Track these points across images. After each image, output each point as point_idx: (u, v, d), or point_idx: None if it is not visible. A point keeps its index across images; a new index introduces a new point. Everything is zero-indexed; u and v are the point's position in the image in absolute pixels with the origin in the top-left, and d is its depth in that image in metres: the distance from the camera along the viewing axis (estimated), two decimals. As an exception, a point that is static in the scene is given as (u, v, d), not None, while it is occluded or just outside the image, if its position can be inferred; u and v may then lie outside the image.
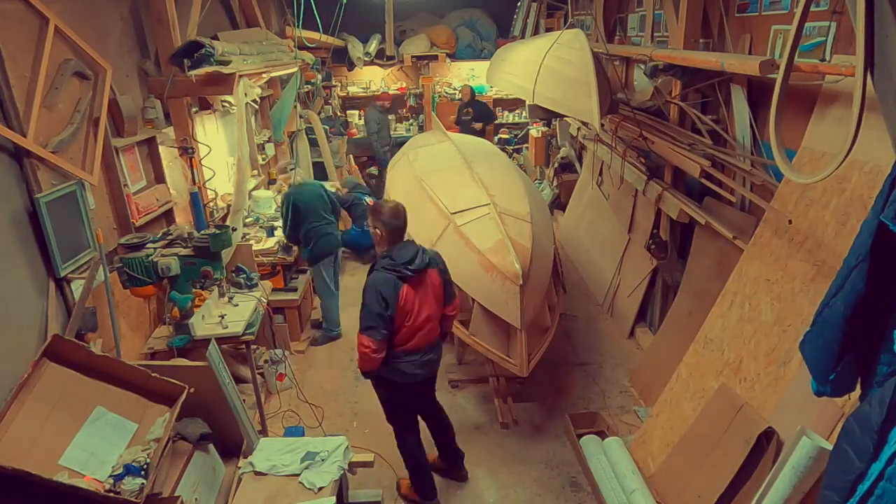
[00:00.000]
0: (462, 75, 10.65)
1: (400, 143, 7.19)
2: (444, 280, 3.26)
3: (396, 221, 3.11)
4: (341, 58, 9.71)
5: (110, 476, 2.56)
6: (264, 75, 5.82)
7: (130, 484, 2.52)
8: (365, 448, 3.80)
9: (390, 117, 9.92)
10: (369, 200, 6.27)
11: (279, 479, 2.99)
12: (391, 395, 3.37)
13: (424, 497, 3.51)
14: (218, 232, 3.61)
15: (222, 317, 3.71)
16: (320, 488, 2.91)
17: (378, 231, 3.12)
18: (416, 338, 3.16)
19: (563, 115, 5.42)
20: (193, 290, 3.71)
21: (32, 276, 2.94)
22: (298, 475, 2.99)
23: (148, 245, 3.56)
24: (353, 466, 3.23)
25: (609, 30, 6.28)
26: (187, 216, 4.71)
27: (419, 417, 3.54)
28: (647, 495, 3.23)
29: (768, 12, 3.56)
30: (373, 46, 9.80)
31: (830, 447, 2.17)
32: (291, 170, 5.29)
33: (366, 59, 9.79)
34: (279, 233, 5.60)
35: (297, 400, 4.37)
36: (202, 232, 3.76)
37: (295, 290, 5.25)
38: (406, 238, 3.18)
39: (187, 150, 4.53)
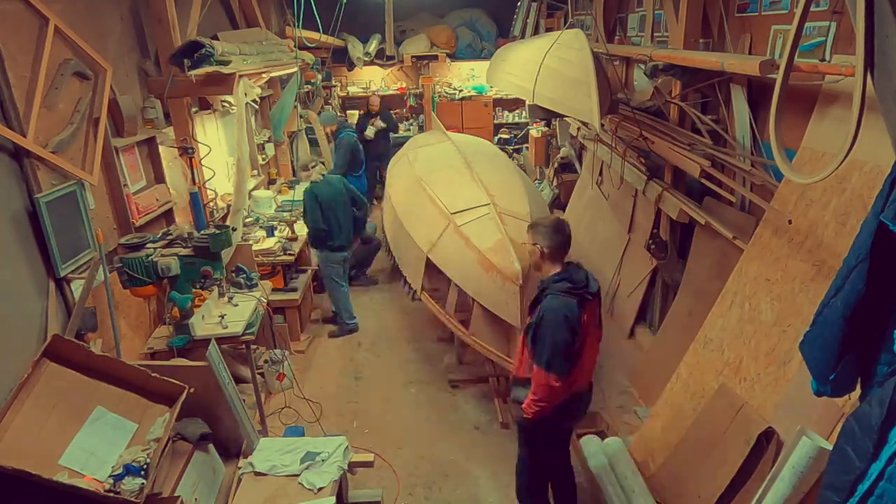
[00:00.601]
0: (462, 75, 10.65)
1: (400, 143, 7.19)
2: (601, 307, 2.90)
3: (561, 236, 2.72)
4: (341, 58, 9.72)
5: (110, 476, 2.57)
6: (264, 75, 5.83)
7: (130, 484, 2.52)
8: (365, 448, 3.79)
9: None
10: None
11: (279, 480, 2.99)
12: (546, 441, 2.92)
13: None
14: (218, 232, 3.61)
15: (222, 317, 3.72)
16: (320, 488, 2.91)
17: (538, 248, 2.75)
18: (585, 373, 2.84)
19: (563, 115, 5.41)
20: (193, 290, 3.71)
21: (32, 276, 2.94)
22: (298, 475, 2.99)
23: (148, 245, 3.57)
24: (353, 466, 3.23)
25: (609, 30, 6.28)
26: (187, 216, 4.71)
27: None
28: (647, 495, 3.23)
29: (768, 12, 3.55)
30: (373, 46, 9.81)
31: (830, 447, 2.16)
32: (313, 167, 5.36)
33: (366, 59, 9.79)
34: (279, 233, 5.61)
35: (297, 399, 4.37)
36: (202, 232, 3.76)
37: (295, 290, 5.25)
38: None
39: (187, 150, 4.53)
